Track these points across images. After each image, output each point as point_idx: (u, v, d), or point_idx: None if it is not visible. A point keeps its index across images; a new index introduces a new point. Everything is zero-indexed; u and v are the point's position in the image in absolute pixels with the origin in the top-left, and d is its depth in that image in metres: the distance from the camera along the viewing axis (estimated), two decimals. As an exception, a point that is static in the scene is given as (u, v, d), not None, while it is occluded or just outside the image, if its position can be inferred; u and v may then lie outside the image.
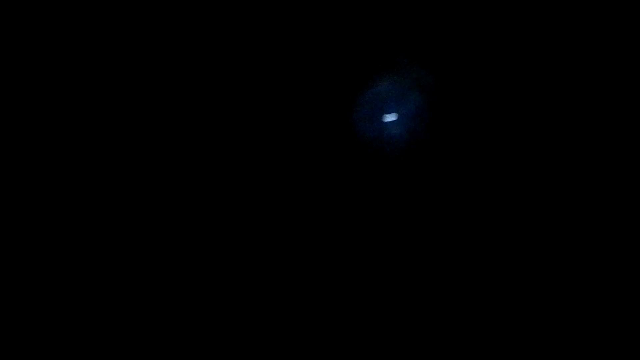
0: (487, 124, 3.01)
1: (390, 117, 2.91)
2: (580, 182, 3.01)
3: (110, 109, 3.10)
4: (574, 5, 2.97)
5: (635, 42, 2.96)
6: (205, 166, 3.10)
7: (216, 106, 3.10)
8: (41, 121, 3.05)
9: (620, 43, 2.98)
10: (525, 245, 3.02)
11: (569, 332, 2.94)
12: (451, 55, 3.00)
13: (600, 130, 3.00)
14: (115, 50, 3.07)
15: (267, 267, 3.07)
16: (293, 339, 3.02)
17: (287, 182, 3.08)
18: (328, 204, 3.07)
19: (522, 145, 3.02)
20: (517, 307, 3.01)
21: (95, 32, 3.05)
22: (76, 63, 3.06)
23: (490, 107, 3.02)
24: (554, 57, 3.01)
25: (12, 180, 3.01)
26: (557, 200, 3.02)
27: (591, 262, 2.99)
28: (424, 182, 3.03)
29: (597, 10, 2.98)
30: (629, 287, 2.92)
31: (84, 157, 3.07)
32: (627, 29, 2.97)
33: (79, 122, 3.07)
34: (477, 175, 3.03)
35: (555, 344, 2.94)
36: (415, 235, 3.05)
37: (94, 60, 3.06)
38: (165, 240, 3.09)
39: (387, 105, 2.94)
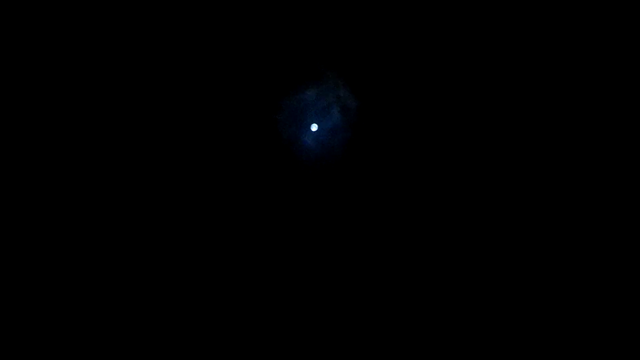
0: (400, 146, 3.10)
1: (311, 128, 3.03)
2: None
3: (96, 110, 3.17)
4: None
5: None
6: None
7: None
8: (41, 121, 3.12)
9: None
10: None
11: (564, 331, 3.00)
12: (374, 77, 3.12)
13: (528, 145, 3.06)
14: (105, 52, 3.14)
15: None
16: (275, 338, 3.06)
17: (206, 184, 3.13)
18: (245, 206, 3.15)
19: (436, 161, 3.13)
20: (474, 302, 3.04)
21: (95, 32, 3.13)
22: (76, 63, 3.14)
23: (405, 130, 3.11)
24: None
25: (12, 180, 3.06)
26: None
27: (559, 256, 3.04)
28: (333, 192, 3.14)
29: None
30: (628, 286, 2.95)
31: (83, 156, 3.14)
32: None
33: (78, 121, 3.14)
34: (387, 190, 3.12)
35: (551, 343, 3.00)
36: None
37: (94, 60, 3.16)
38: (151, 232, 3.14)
39: (309, 117, 3.04)
